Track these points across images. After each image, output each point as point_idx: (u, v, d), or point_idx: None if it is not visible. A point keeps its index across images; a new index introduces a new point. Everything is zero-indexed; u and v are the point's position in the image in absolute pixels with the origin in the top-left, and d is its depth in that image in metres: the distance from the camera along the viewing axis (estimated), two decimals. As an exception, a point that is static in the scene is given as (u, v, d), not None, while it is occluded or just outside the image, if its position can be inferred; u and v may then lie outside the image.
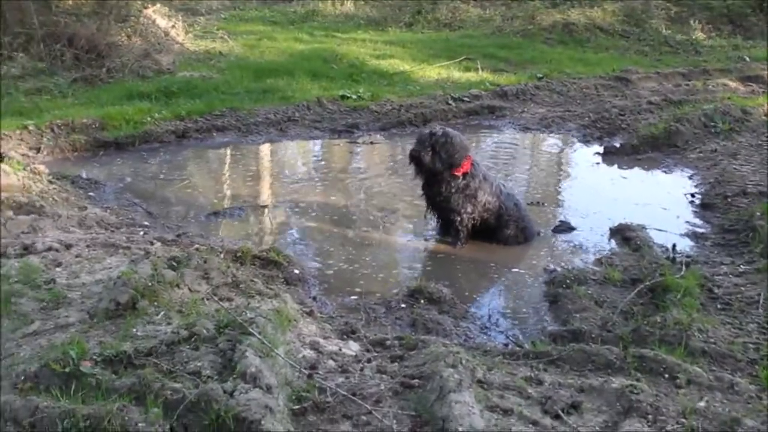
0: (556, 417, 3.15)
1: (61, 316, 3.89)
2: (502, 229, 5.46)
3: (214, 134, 8.13)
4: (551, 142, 8.63)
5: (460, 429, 2.86)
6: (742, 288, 4.60)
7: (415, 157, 5.21)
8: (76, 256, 4.77)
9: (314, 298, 4.60)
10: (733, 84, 11.03)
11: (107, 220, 5.53)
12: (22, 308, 3.98)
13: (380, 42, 13.95)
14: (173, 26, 11.41)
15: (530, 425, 3.08)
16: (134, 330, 3.68)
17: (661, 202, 6.45)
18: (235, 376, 3.06)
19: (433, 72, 11.47)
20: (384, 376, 3.46)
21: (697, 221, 5.97)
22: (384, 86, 10.35)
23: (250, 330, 3.35)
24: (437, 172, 5.22)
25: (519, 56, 13.09)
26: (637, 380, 3.41)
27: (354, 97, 9.45)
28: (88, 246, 4.94)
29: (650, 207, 6.33)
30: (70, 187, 6.18)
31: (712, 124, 8.29)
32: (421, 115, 9.00)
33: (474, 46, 13.75)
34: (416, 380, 3.36)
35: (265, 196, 6.47)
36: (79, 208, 5.72)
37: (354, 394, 3.21)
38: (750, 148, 7.68)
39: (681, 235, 5.68)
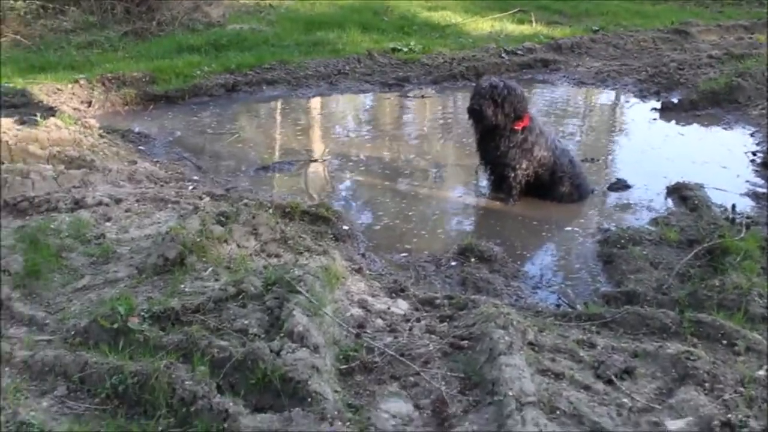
0: (609, 382, 3.06)
1: (110, 271, 3.93)
2: (556, 185, 5.31)
3: (264, 87, 8.08)
4: (606, 97, 8.37)
5: (510, 393, 2.79)
6: (806, 252, 4.40)
7: (476, 111, 5.04)
8: (126, 211, 4.80)
9: (363, 255, 4.55)
10: (800, 37, 10.51)
11: (157, 174, 5.55)
12: (73, 263, 4.04)
13: (432, -7, 13.64)
14: (222, -22, 11.30)
15: (582, 390, 3.00)
16: (182, 286, 3.69)
17: (721, 161, 6.20)
18: (282, 334, 3.04)
19: (485, 24, 11.20)
20: (433, 336, 3.41)
21: (758, 181, 5.73)
22: (435, 39, 10.14)
23: (298, 288, 3.33)
24: (498, 126, 5.07)
25: (574, 8, 12.68)
26: (694, 346, 3.30)
27: (405, 49, 9.28)
28: (137, 200, 4.97)
29: (709, 165, 6.10)
30: (120, 141, 6.22)
31: (777, 79, 7.92)
32: (473, 69, 8.80)
33: (529, -2, 13.36)
34: (465, 341, 3.30)
35: (315, 150, 6.41)
36: (129, 162, 5.75)
37: (402, 355, 3.17)
38: (817, 105, 7.33)
39: (741, 195, 5.45)
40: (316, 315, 3.22)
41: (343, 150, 6.44)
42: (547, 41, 9.95)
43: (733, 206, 5.06)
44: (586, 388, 3.02)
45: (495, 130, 5.11)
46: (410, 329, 3.43)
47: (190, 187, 5.38)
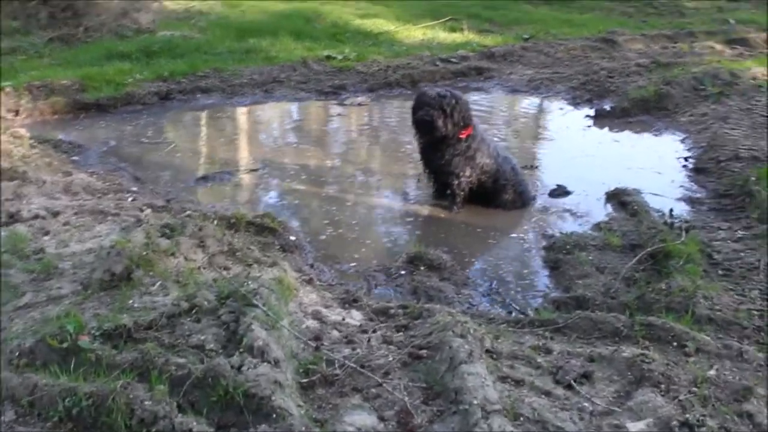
0: (568, 387, 3.11)
1: (53, 288, 3.77)
2: (500, 193, 5.38)
3: (198, 96, 7.92)
4: (541, 104, 8.52)
5: (475, 401, 2.80)
6: (742, 254, 4.56)
7: (427, 121, 5.04)
8: (64, 224, 4.63)
9: (312, 266, 4.50)
10: (719, 47, 10.95)
11: (94, 185, 5.37)
12: (12, 280, 3.85)
13: (362, 1, 13.68)
14: (149, -17, 11.06)
15: (543, 396, 3.04)
16: (130, 302, 3.57)
17: (655, 166, 6.40)
18: (241, 350, 2.97)
19: (418, 32, 11.28)
20: (391, 346, 3.39)
21: (692, 186, 5.93)
22: (369, 46, 10.16)
23: (254, 301, 3.26)
24: (446, 136, 5.09)
25: (503, 17, 12.91)
26: (646, 349, 3.39)
27: (339, 57, 9.26)
28: (75, 213, 4.80)
29: (644, 171, 6.28)
30: (52, 151, 5.99)
31: (702, 87, 8.22)
32: (408, 77, 8.84)
33: (458, 6, 13.52)
34: (424, 351, 3.29)
35: (254, 159, 6.31)
36: (63, 173, 5.54)
37: (362, 366, 3.15)
38: (740, 111, 7.62)
39: (677, 199, 5.63)
40: (274, 328, 3.16)
41: (282, 159, 6.37)
42: (481, 49, 10.09)
43: (671, 211, 5.21)
44: (547, 393, 3.06)
45: (443, 139, 5.13)
46: (368, 340, 3.40)
47: (130, 199, 5.22)
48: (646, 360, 3.20)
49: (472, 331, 3.34)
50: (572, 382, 3.13)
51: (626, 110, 7.78)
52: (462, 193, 5.31)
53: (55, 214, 4.68)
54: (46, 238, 4.41)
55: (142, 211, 4.96)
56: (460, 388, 2.92)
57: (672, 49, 10.73)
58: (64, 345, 3.03)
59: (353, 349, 3.34)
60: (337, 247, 4.80)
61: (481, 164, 5.29)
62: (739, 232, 4.92)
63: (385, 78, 8.77)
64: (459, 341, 3.21)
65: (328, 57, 9.23)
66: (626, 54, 10.37)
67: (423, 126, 5.11)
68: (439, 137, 5.12)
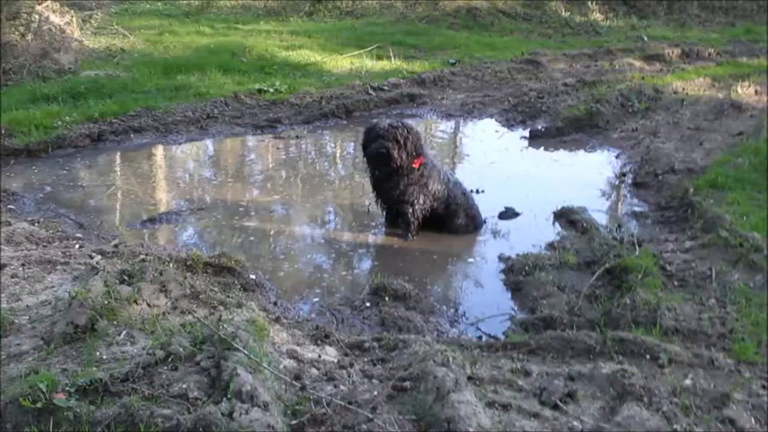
0: (555, 407, 3.15)
1: (12, 345, 3.58)
2: (452, 218, 5.43)
3: (132, 136, 7.73)
4: (476, 127, 8.69)
5: (471, 430, 2.80)
6: (692, 264, 4.73)
7: (383, 154, 5.05)
8: (12, 277, 4.42)
9: (275, 303, 4.43)
10: (638, 63, 11.43)
11: (37, 234, 5.15)
12: (-35, 339, 3.65)
13: (285, 33, 13.70)
14: (68, 23, 10.75)
15: (532, 418, 3.07)
16: (98, 353, 3.43)
17: (595, 183, 6.61)
18: (229, 396, 2.88)
19: (345, 62, 11.34)
20: (373, 380, 3.37)
21: (634, 200, 6.14)
22: (299, 78, 10.15)
23: (235, 345, 3.18)
24: (401, 166, 5.11)
25: (427, 42, 13.13)
26: (620, 363, 3.47)
27: (271, 90, 9.21)
28: (23, 264, 4.59)
29: (585, 188, 6.47)
30: (-5, 202, 5.74)
31: (629, 103, 8.57)
32: (342, 107, 8.87)
33: (381, 33, 13.70)
34: (408, 382, 3.27)
35: (198, 198, 6.19)
36: (2, 223, 5.30)
37: (350, 403, 3.10)
38: (668, 125, 7.97)
39: (622, 214, 5.82)
40: (257, 371, 3.09)
41: (226, 196, 6.27)
42: (411, 76, 10.22)
43: (619, 226, 5.38)
44: (536, 415, 3.09)
45: (397, 170, 5.16)
46: (349, 376, 3.37)
47: (77, 246, 5.03)
48: (626, 375, 3.28)
49: (452, 359, 3.35)
50: (558, 402, 3.17)
51: (560, 129, 8.02)
52: (417, 220, 5.34)
53: (1, 267, 4.46)
54: (-6, 293, 4.20)
55: (92, 258, 4.80)
56: (452, 417, 2.91)
57: (594, 67, 11.14)
58: (38, 405, 2.88)
59: (336, 386, 3.31)
60: (297, 283, 4.75)
61: (434, 191, 5.34)
62: (687, 242, 5.11)
63: (319, 109, 8.77)
64: (443, 370, 3.21)
65: (260, 90, 9.17)
66: (551, 74, 10.70)
67: (378, 159, 5.12)
68: (393, 168, 5.14)
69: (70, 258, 4.76)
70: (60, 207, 5.87)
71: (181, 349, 3.29)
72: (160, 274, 4.17)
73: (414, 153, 5.19)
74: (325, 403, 3.08)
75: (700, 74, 10.44)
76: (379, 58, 11.66)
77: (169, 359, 3.26)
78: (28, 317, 3.87)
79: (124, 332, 3.65)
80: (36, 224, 5.37)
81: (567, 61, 11.63)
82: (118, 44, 11.65)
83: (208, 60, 10.65)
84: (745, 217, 5.21)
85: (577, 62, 11.62)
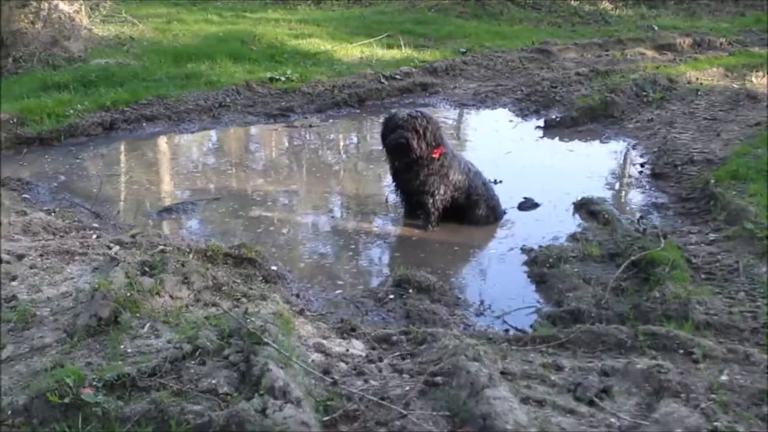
0: (590, 403, 3.08)
1: (35, 337, 3.53)
2: (473, 208, 5.37)
3: (144, 124, 7.66)
4: (490, 117, 8.58)
5: (508, 426, 2.75)
6: (718, 256, 4.67)
7: (403, 144, 4.99)
8: (31, 267, 4.36)
9: (298, 296, 4.37)
10: (649, 53, 11.33)
11: (54, 224, 5.09)
12: (-13, 332, 3.60)
13: (294, 21, 13.59)
14: (77, 11, 10.65)
15: (568, 415, 3.00)
16: (122, 347, 3.38)
17: (612, 174, 6.54)
18: (261, 391, 2.82)
19: (355, 50, 11.24)
20: (404, 375, 3.30)
21: (653, 191, 6.06)
22: (310, 66, 10.06)
23: (265, 339, 3.12)
24: (421, 157, 5.05)
25: (437, 32, 13.02)
26: (654, 358, 3.41)
27: (283, 79, 9.13)
28: (41, 255, 4.54)
29: (602, 179, 6.41)
30: (2, 190, 5.67)
31: (644, 93, 8.48)
32: (355, 95, 8.80)
33: (390, 22, 13.59)
34: (439, 377, 3.22)
35: (214, 187, 6.12)
36: (17, 213, 5.24)
37: (382, 399, 3.04)
38: (683, 115, 7.89)
39: (642, 206, 5.75)
40: (288, 366, 3.04)
41: (242, 185, 6.21)
42: (423, 65, 10.13)
43: (641, 218, 5.31)
44: (571, 412, 3.03)
45: (416, 160, 5.09)
46: (380, 371, 3.31)
47: (94, 236, 4.98)
48: (662, 370, 3.21)
49: (483, 353, 3.28)
50: (593, 398, 3.11)
51: (575, 119, 7.93)
52: (437, 211, 5.28)
53: (20, 257, 4.41)
54: (14, 283, 4.14)
55: (110, 248, 4.75)
56: (488, 413, 2.85)
57: (606, 56, 11.03)
58: (66, 400, 2.83)
59: (366, 380, 3.24)
60: (318, 274, 4.69)
61: (454, 181, 5.28)
62: (711, 234, 5.04)
63: (332, 98, 8.69)
64: (475, 365, 3.15)
65: (272, 79, 9.09)
66: (563, 64, 10.60)
67: (398, 149, 5.06)
68: (413, 159, 5.08)
69: (89, 248, 4.71)
70: (75, 196, 5.82)
71: (208, 343, 3.24)
72: (182, 265, 4.12)
73: (434, 143, 5.13)
74: (357, 399, 3.03)
75: (713, 64, 10.34)
76: (389, 47, 11.56)
77: (197, 353, 3.20)
78: (49, 309, 3.81)
79: (148, 325, 3.60)
80: (52, 214, 5.31)
81: (578, 50, 11.52)
82: (127, 32, 11.56)
83: (218, 48, 10.56)
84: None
85: (588, 52, 11.51)
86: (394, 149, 5.11)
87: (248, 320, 3.33)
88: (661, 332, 3.59)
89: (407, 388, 3.16)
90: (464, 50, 11.35)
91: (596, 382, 3.21)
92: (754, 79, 9.22)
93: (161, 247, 4.66)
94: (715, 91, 8.84)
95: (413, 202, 5.40)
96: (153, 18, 13.08)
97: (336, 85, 8.98)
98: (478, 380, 3.04)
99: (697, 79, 9.38)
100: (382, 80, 9.27)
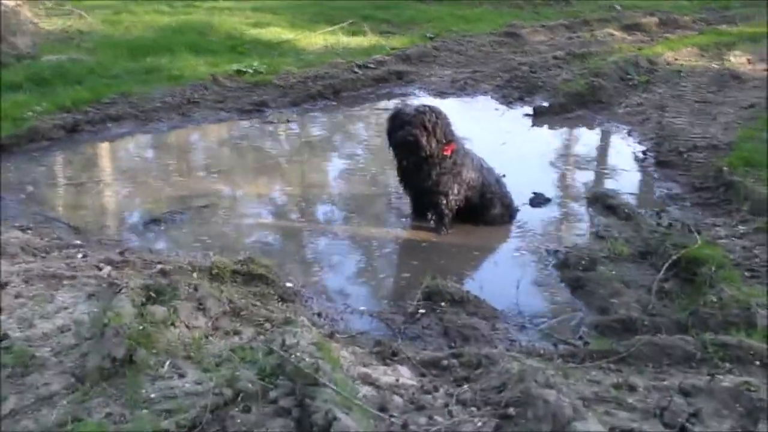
0: (682, 430, 2.79)
1: (39, 384, 3.05)
2: (488, 208, 5.04)
3: (110, 125, 7.08)
4: (474, 105, 8.25)
5: (613, 467, 2.43)
6: (755, 251, 4.45)
7: (411, 142, 4.62)
8: (17, 297, 3.85)
9: (319, 315, 3.97)
10: (618, 33, 11.18)
11: (32, 243, 4.56)
12: (-18, 379, 3.11)
13: (248, 9, 13.00)
14: (19, 4, 9.87)
15: (665, 445, 2.71)
16: (143, 391, 2.95)
17: (616, 163, 6.30)
18: (332, 446, 2.45)
19: (319, 39, 10.78)
20: (470, 408, 2.95)
21: (663, 181, 5.84)
22: (275, 57, 9.56)
23: (321, 379, 2.73)
24: (431, 155, 4.68)
25: (398, 16, 12.63)
26: (729, 372, 3.15)
27: (250, 71, 8.63)
28: (25, 281, 4.03)
29: (607, 169, 6.17)
30: (-37, 205, 5.10)
31: (628, 76, 8.28)
32: (330, 87, 8.37)
33: (349, 8, 13.11)
34: (511, 408, 2.88)
35: (200, 193, 5.63)
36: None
37: (457, 440, 2.70)
38: (673, 99, 7.73)
39: (656, 198, 5.51)
40: (351, 410, 2.66)
41: (231, 190, 5.75)
42: (394, 52, 9.74)
43: (662, 211, 5.07)
44: (666, 441, 2.74)
45: (427, 159, 4.73)
46: (446, 405, 2.95)
47: (80, 256, 4.47)
48: (752, 389, 2.94)
49: (553, 378, 2.97)
50: (685, 423, 2.82)
51: (564, 106, 7.69)
52: (451, 213, 4.93)
53: (3, 286, 3.90)
54: (2, 317, 3.64)
55: (100, 269, 4.28)
56: (582, 452, 2.53)
57: (577, 39, 10.83)
58: (94, 466, 2.40)
59: (430, 417, 2.88)
60: (335, 289, 4.31)
61: (468, 179, 4.94)
62: (739, 227, 4.82)
63: (306, 90, 8.24)
64: (552, 393, 2.82)
65: (239, 71, 8.58)
66: (536, 47, 10.36)
67: (406, 147, 4.69)
68: (423, 157, 4.71)
69: (76, 270, 4.22)
70: (46, 209, 5.27)
71: (250, 386, 2.84)
72: (195, 289, 3.68)
73: (444, 139, 4.77)
74: (430, 442, 2.67)
75: (686, 44, 10.23)
76: (354, 34, 11.13)
77: (239, 399, 2.80)
78: (49, 348, 3.34)
79: (168, 363, 3.17)
80: (28, 231, 4.77)
81: (546, 33, 11.29)
82: (74, 25, 10.83)
83: (175, 40, 9.96)
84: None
85: (557, 34, 11.29)
86: (402, 147, 4.74)
87: (291, 355, 2.94)
88: (733, 342, 3.33)
89: (479, 423, 2.81)
90: (432, 35, 11.01)
91: (684, 405, 2.92)
92: (732, 59, 9.12)
93: (160, 266, 4.21)
94: (697, 71, 8.72)
95: (424, 204, 5.04)
96: (100, 9, 12.30)
97: (309, 77, 8.53)
98: (562, 412, 2.71)
99: (676, 59, 9.25)
100: (356, 70, 8.86)
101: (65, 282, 4.06)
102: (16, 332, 3.47)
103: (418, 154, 4.68)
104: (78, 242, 4.73)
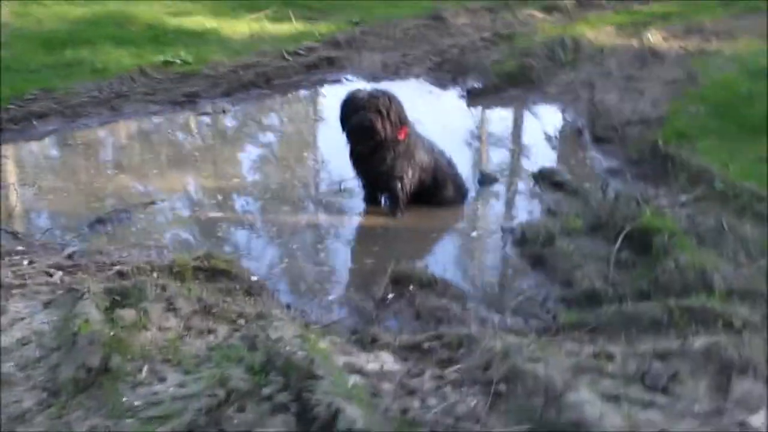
0: (665, 391, 2.90)
1: (8, 403, 2.88)
2: (440, 189, 5.08)
3: (35, 122, 6.75)
4: (407, 88, 8.21)
5: (609, 433, 2.50)
6: (697, 219, 4.62)
7: (368, 127, 4.60)
8: (-37, 311, 3.65)
9: (288, 307, 3.92)
10: (539, 14, 11.36)
11: (-30, 252, 4.33)
12: (-57, 403, 2.93)
13: (164, -1, 12.62)
14: None
15: (650, 407, 2.80)
16: (125, 400, 2.85)
17: (552, 140, 6.44)
18: (336, 437, 2.43)
19: (243, 26, 10.53)
20: (461, 388, 2.98)
21: (600, 156, 6.00)
22: (201, 47, 9.30)
23: (316, 372, 2.70)
24: (386, 139, 4.67)
25: (320, 1, 12.48)
26: (695, 334, 3.28)
27: (178, 61, 8.37)
28: (-30, 294, 3.82)
29: (546, 146, 6.30)
30: None
31: (555, 56, 8.44)
32: (262, 75, 8.22)
33: (266, -6, 12.92)
34: (501, 385, 2.92)
35: (142, 190, 5.46)
36: None
37: (457, 420, 2.72)
38: (600, 77, 7.92)
39: (597, 173, 5.66)
40: (352, 400, 2.64)
41: (174, 185, 5.58)
42: (323, 38, 9.64)
43: (606, 185, 5.21)
44: (651, 404, 2.83)
45: (381, 143, 4.72)
46: (437, 387, 2.97)
47: (26, 262, 4.26)
48: (720, 347, 3.07)
49: (538, 352, 3.03)
50: (666, 385, 2.93)
51: (497, 86, 7.79)
52: (406, 196, 4.95)
53: (-54, 300, 3.68)
54: (-49, 333, 3.44)
55: (50, 275, 4.09)
56: (579, 421, 2.60)
57: (501, 21, 10.95)
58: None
59: (423, 400, 2.89)
60: (299, 280, 4.26)
61: (421, 162, 4.97)
62: (681, 197, 5.00)
63: (237, 79, 8.07)
64: (541, 368, 2.88)
65: (166, 62, 8.32)
66: (462, 29, 10.42)
67: (361, 132, 4.67)
68: (378, 141, 4.71)
69: (25, 278, 4.02)
70: (-21, 215, 5.01)
71: (241, 384, 2.78)
72: (163, 289, 3.58)
73: (398, 123, 4.78)
74: (427, 428, 2.68)
75: (605, 23, 10.49)
76: (278, 20, 10.94)
77: (231, 397, 2.74)
78: (13, 363, 3.16)
79: (146, 368, 3.07)
80: (-36, 241, 4.52)
81: (469, 15, 11.35)
82: (-23, 19, 10.27)
83: (93, 32, 9.56)
84: (729, 167, 5.15)
85: (479, 17, 11.36)
86: (357, 133, 4.72)
87: (279, 350, 2.89)
88: (696, 306, 3.47)
89: (472, 403, 2.85)
90: (356, 21, 10.94)
91: (661, 369, 3.03)
92: (650, 37, 9.41)
93: (117, 268, 4.07)
94: (619, 50, 8.97)
95: (377, 188, 5.03)
96: (4, 2, 11.69)
97: (239, 66, 8.35)
98: (553, 384, 2.77)
99: (596, 38, 9.48)
100: (287, 57, 8.73)
101: (14, 291, 3.86)
102: (-28, 348, 3.29)
103: (374, 138, 4.67)
104: (21, 248, 4.50)
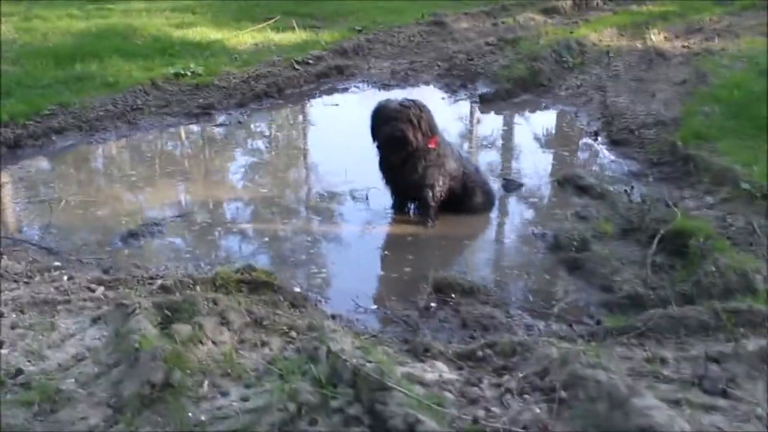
0: (725, 395, 2.94)
1: (74, 421, 2.91)
2: (470, 197, 5.13)
3: (54, 138, 6.76)
4: (419, 95, 8.21)
5: (683, 440, 2.54)
6: (728, 220, 4.69)
7: (400, 137, 4.63)
8: (13, 327, 3.65)
9: (333, 317, 3.95)
10: (538, 17, 11.47)
11: (10, 269, 4.33)
12: (11, 421, 2.94)
13: (166, 10, 12.63)
14: None
15: (713, 412, 2.85)
16: (191, 415, 2.87)
17: (570, 144, 6.50)
18: (419, 449, 2.45)
19: (247, 37, 10.58)
20: (523, 396, 3.02)
21: (621, 159, 6.05)
22: (209, 58, 9.33)
23: (389, 383, 2.73)
24: (418, 148, 4.71)
25: (320, 10, 12.56)
26: (744, 336, 3.33)
27: (189, 73, 8.38)
28: (16, 310, 3.83)
29: (565, 150, 6.34)
30: None
31: (563, 59, 8.52)
32: (273, 85, 8.25)
33: (268, 4, 13.00)
34: (562, 392, 2.96)
35: (170, 203, 5.47)
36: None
37: (524, 428, 2.75)
38: (609, 79, 8.01)
39: (620, 175, 5.72)
40: (425, 411, 2.67)
41: (201, 197, 5.61)
42: (330, 46, 9.68)
43: (632, 188, 5.25)
44: (712, 408, 2.87)
45: (413, 153, 4.76)
46: (500, 396, 3.00)
47: (65, 278, 4.28)
48: (775, 350, 3.13)
49: (593, 359, 3.06)
50: (726, 389, 2.97)
51: (509, 91, 7.85)
52: (437, 205, 4.99)
53: (-2, 317, 3.69)
54: (4, 351, 3.45)
55: (92, 290, 4.11)
56: (647, 426, 2.63)
57: (502, 25, 11.03)
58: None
59: (487, 409, 2.93)
60: (340, 290, 4.28)
61: (450, 170, 5.01)
62: (707, 198, 5.06)
63: (250, 90, 8.10)
64: (602, 373, 2.92)
65: (177, 74, 8.33)
66: (465, 35, 10.50)
67: (394, 142, 4.71)
68: (410, 151, 4.75)
69: (68, 294, 4.04)
70: (12, 231, 5.00)
71: (310, 397, 2.80)
72: (215, 303, 3.60)
73: (428, 133, 4.82)
74: (499, 434, 2.72)
75: (606, 24, 10.60)
76: (282, 30, 10.99)
77: (303, 412, 2.76)
78: (73, 380, 3.18)
79: (206, 382, 3.09)
80: (3, 257, 4.52)
81: (469, 20, 11.45)
82: (-17, 34, 10.26)
83: (99, 45, 9.57)
84: (753, 167, 5.20)
85: (480, 21, 11.47)
86: (389, 143, 4.75)
87: (347, 361, 2.92)
88: (743, 308, 3.51)
89: (537, 410, 2.88)
90: (359, 28, 11.00)
91: (718, 372, 3.08)
92: (653, 37, 9.51)
93: (160, 282, 4.09)
94: (623, 51, 9.06)
95: (408, 197, 5.07)
96: (6, 17, 11.66)
97: (250, 76, 8.38)
98: (617, 390, 2.81)
99: (600, 40, 9.57)
100: (296, 66, 8.76)
101: (60, 307, 3.89)
102: (29, 366, 3.30)
103: (406, 149, 4.71)
104: (57, 263, 4.53)
